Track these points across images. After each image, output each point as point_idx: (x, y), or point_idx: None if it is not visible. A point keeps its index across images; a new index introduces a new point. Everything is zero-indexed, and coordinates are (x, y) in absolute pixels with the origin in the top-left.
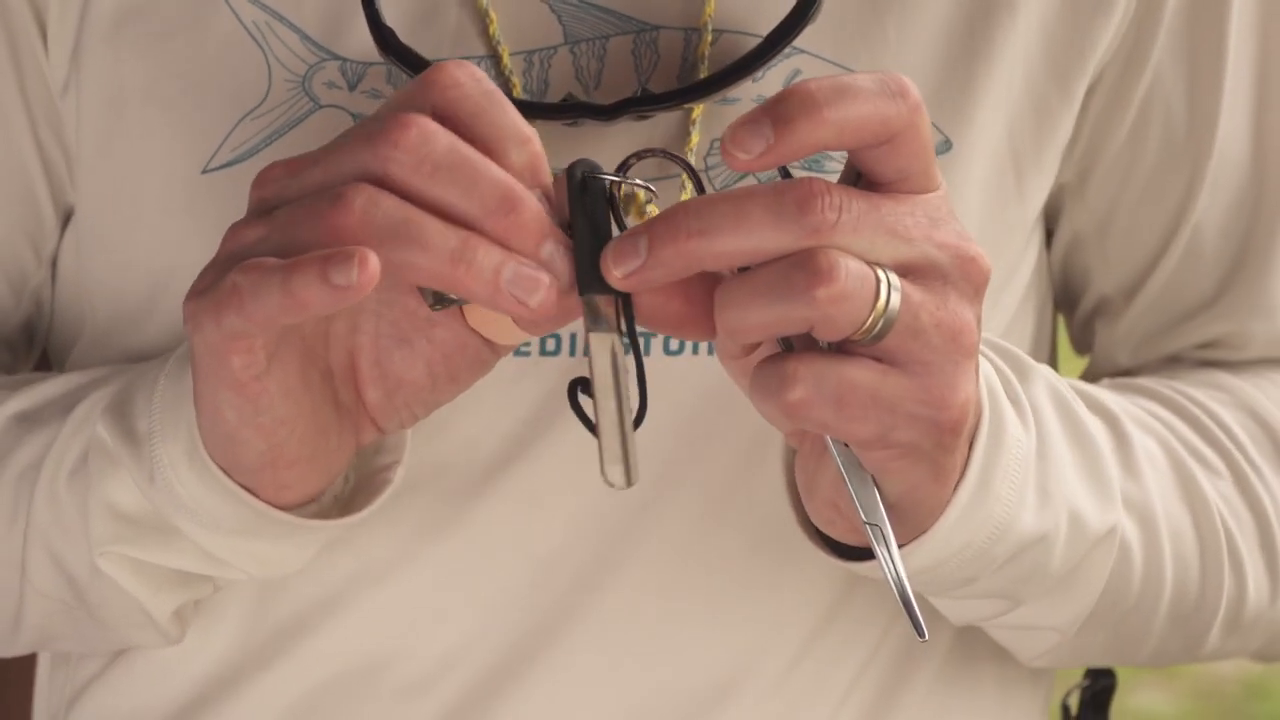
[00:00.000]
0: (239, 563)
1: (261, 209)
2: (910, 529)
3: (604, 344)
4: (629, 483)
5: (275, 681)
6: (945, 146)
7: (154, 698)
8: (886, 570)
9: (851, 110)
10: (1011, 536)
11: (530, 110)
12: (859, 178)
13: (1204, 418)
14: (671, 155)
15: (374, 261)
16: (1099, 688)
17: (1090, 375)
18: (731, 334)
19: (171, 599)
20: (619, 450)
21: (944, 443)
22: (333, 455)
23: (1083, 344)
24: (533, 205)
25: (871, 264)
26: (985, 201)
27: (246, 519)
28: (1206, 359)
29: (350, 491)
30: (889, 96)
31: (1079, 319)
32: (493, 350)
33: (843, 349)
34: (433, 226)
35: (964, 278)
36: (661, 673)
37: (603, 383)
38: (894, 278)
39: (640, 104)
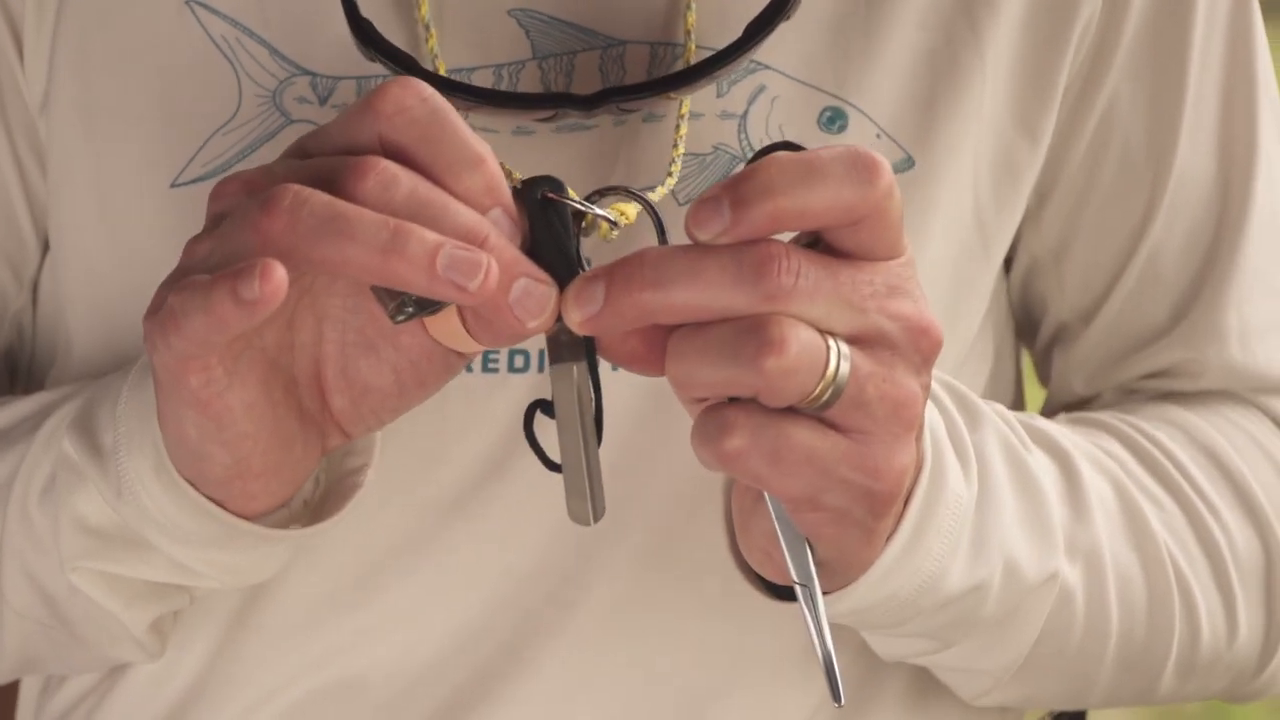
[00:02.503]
0: (211, 572)
1: (214, 223)
2: (838, 581)
3: (566, 375)
4: (594, 518)
5: (250, 700)
6: (907, 164)
7: (131, 718)
8: (813, 634)
9: (813, 197)
10: (940, 589)
11: (512, 102)
12: (818, 239)
13: (1159, 456)
14: (634, 194)
15: (277, 272)
16: (1069, 716)
17: (1049, 404)
18: (679, 386)
19: (147, 612)
20: (583, 485)
21: (876, 511)
22: (299, 464)
23: (1044, 373)
24: (501, 239)
25: (823, 333)
26: (945, 227)
27: (215, 531)
28: (1162, 389)
29: (320, 495)
30: (856, 182)
31: (1039, 347)
32: (459, 356)
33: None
34: (363, 219)
35: (914, 349)
36: (632, 689)
37: (566, 416)
38: (845, 348)
39: (622, 94)
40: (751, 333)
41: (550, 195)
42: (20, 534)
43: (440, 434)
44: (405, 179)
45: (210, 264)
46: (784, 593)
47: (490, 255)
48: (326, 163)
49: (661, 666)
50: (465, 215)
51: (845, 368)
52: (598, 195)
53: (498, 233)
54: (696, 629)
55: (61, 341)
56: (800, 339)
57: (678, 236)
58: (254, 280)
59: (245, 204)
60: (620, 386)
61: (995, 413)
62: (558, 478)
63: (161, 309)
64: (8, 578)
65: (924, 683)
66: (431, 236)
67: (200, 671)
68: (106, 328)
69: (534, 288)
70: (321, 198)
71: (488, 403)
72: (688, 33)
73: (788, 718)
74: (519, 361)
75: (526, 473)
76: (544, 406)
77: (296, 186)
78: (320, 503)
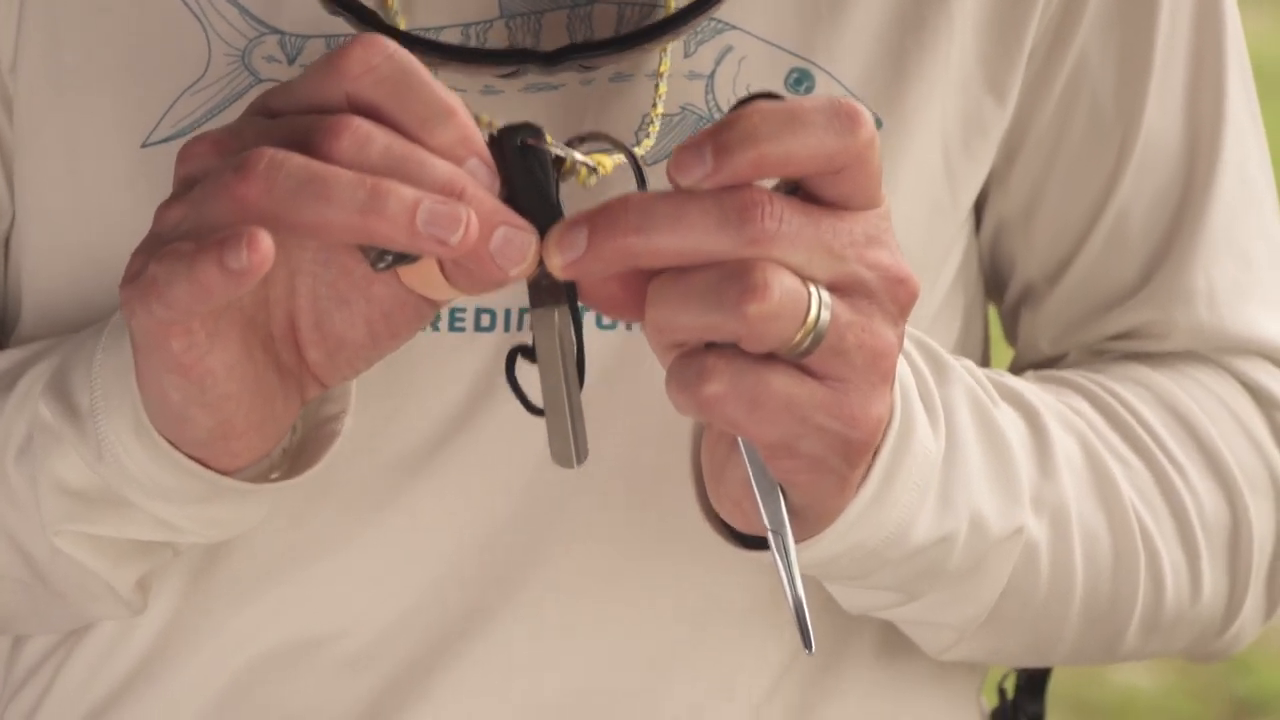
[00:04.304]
0: (195, 527)
1: (185, 186)
2: (807, 529)
3: (547, 319)
4: (577, 461)
5: (214, 654)
6: (875, 125)
7: (95, 673)
8: (784, 582)
9: (795, 144)
10: (906, 541)
11: (473, 57)
12: (798, 187)
13: (1126, 415)
14: (614, 141)
15: (264, 241)
16: (1034, 670)
17: (1015, 364)
18: (658, 331)
19: (133, 569)
20: (566, 428)
21: (851, 459)
22: (280, 419)
23: (1012, 333)
24: (478, 189)
25: (805, 279)
26: (914, 186)
27: (199, 489)
28: (1129, 350)
29: (298, 442)
30: (838, 131)
31: (1007, 307)
32: (432, 304)
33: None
34: (340, 179)
35: (891, 299)
36: (602, 649)
37: (547, 359)
38: (826, 295)
39: (583, 50)
40: (734, 277)
41: (530, 142)
42: None
43: (407, 390)
44: (379, 136)
45: (185, 230)
46: (752, 542)
47: (469, 207)
48: (299, 122)
49: (632, 620)
50: (441, 168)
51: (826, 315)
52: (577, 141)
53: (474, 183)
54: (668, 583)
55: (27, 298)
56: (783, 284)
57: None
58: (241, 250)
59: (218, 168)
60: (590, 337)
61: (964, 368)
62: (526, 433)
63: (141, 276)
64: None
65: (895, 638)
66: (409, 193)
67: (165, 624)
68: (74, 287)
69: (514, 235)
70: (297, 160)
71: (454, 360)
72: None
73: (761, 670)
74: (485, 320)
75: (493, 429)
76: (524, 351)
77: (271, 150)
78: (299, 450)
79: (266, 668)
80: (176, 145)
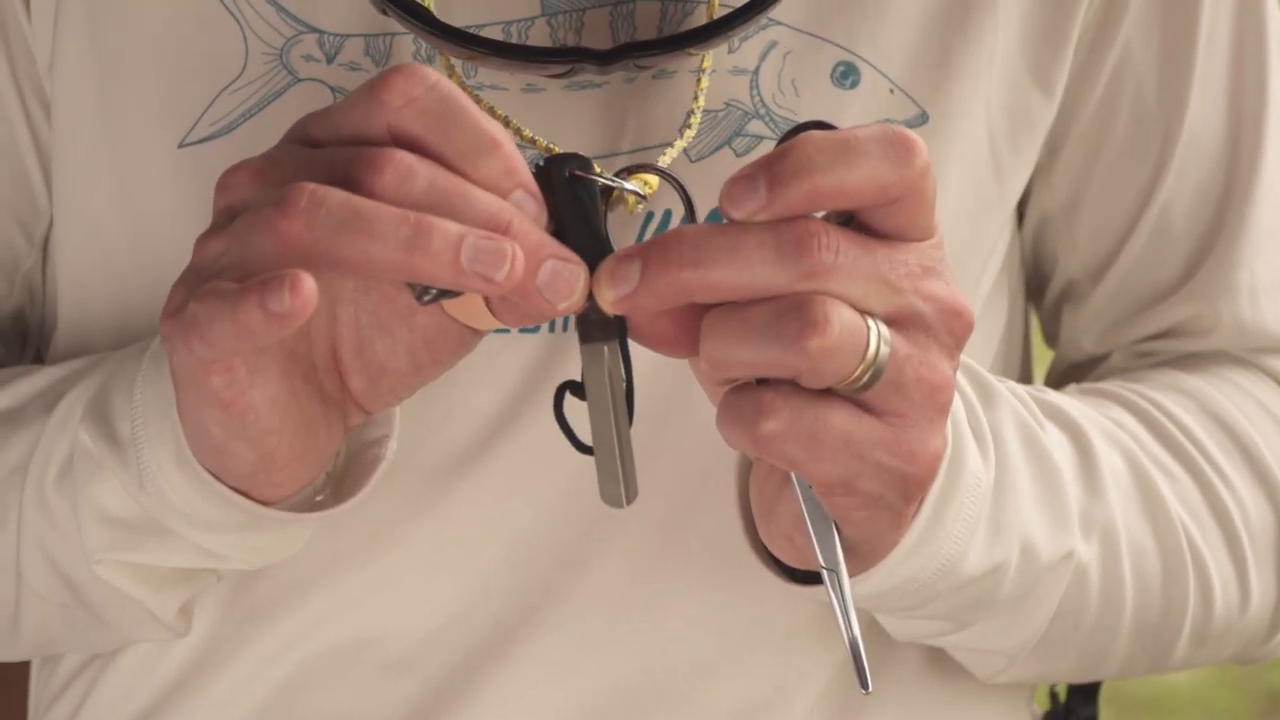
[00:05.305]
0: (237, 555)
1: (226, 217)
2: (859, 564)
3: (597, 355)
4: (626, 501)
5: (256, 661)
6: (920, 119)
7: (138, 682)
8: (840, 620)
9: (850, 175)
10: (958, 572)
11: (531, 56)
12: (851, 218)
13: (1169, 425)
14: (663, 173)
15: (307, 285)
16: (1084, 687)
17: (1056, 364)
18: (714, 367)
19: (175, 596)
20: (616, 467)
21: (908, 495)
22: (324, 448)
23: (1052, 334)
24: (525, 222)
25: (863, 313)
26: (961, 181)
27: (241, 519)
28: (1171, 350)
29: (342, 465)
30: (893, 161)
31: (1048, 306)
32: (475, 332)
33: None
34: (382, 215)
35: (947, 331)
36: (644, 651)
37: (597, 396)
38: (884, 329)
39: (640, 49)
40: (793, 312)
41: (578, 173)
42: (38, 517)
43: (450, 393)
44: (423, 170)
45: (226, 264)
46: (800, 576)
47: (515, 242)
48: (339, 154)
49: (674, 630)
50: (487, 201)
51: (885, 349)
52: (625, 173)
53: (521, 216)
54: (710, 595)
55: (64, 302)
56: (842, 318)
57: (693, 189)
58: (284, 293)
59: (258, 201)
60: (637, 350)
61: (1009, 390)
62: (563, 440)
63: (181, 313)
64: (27, 561)
65: (937, 659)
66: (454, 229)
67: (207, 633)
68: (112, 288)
69: (563, 269)
70: (338, 196)
71: (498, 362)
72: None
73: (801, 688)
74: (530, 325)
75: (536, 433)
76: (573, 387)
77: (312, 185)
78: (343, 473)
79: (309, 674)
80: (214, 145)
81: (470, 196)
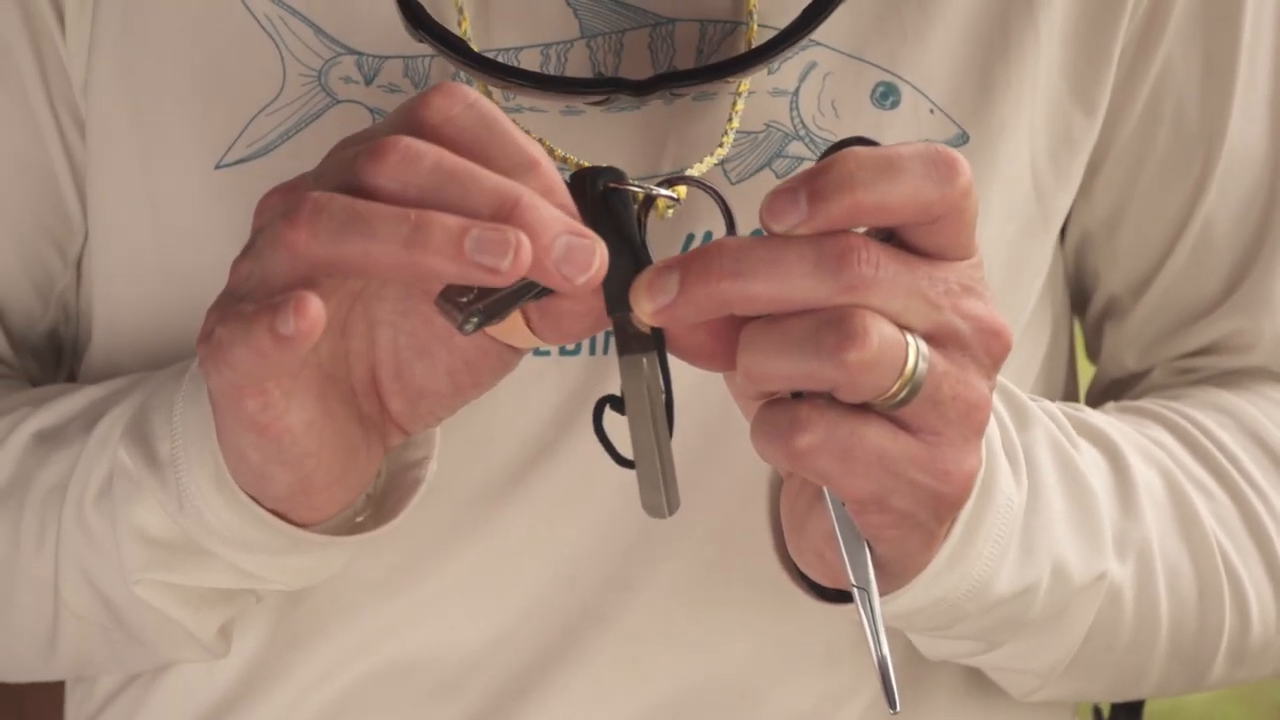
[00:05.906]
0: (276, 576)
1: (256, 240)
2: (890, 583)
3: (635, 368)
4: (669, 511)
5: (301, 684)
6: (961, 140)
7: (181, 704)
8: (870, 639)
9: (891, 192)
10: (989, 593)
11: (567, 87)
12: (891, 235)
13: (1207, 443)
14: (704, 185)
15: (313, 306)
16: (1126, 707)
17: (1098, 380)
18: (751, 379)
19: (215, 617)
20: (657, 478)
21: (941, 515)
22: (363, 471)
23: (1094, 350)
24: (535, 199)
25: (902, 328)
26: (1003, 202)
27: (280, 542)
28: (1212, 367)
29: (382, 487)
30: (936, 180)
31: (1090, 322)
32: (515, 351)
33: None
34: (381, 214)
35: (985, 351)
36: (689, 673)
37: (636, 409)
38: (923, 345)
39: (675, 80)
40: (833, 325)
41: (612, 185)
42: (77, 538)
43: (492, 416)
44: (429, 152)
45: (251, 285)
46: (830, 594)
47: (519, 230)
48: (347, 155)
49: (718, 650)
50: (495, 180)
51: (923, 365)
52: (665, 184)
53: (530, 193)
54: (753, 614)
55: (99, 320)
56: (882, 332)
57: (734, 212)
58: (289, 315)
59: (271, 218)
60: (679, 371)
61: (1043, 410)
62: (607, 462)
63: (211, 337)
64: (66, 581)
65: (976, 676)
66: (455, 221)
67: (251, 656)
68: (147, 308)
69: (576, 243)
70: (340, 201)
71: (539, 385)
72: (750, 13)
73: (844, 706)
74: (570, 344)
75: (578, 455)
76: (612, 402)
77: (317, 194)
78: (383, 496)
79: (353, 699)
80: (251, 167)
81: (477, 175)
